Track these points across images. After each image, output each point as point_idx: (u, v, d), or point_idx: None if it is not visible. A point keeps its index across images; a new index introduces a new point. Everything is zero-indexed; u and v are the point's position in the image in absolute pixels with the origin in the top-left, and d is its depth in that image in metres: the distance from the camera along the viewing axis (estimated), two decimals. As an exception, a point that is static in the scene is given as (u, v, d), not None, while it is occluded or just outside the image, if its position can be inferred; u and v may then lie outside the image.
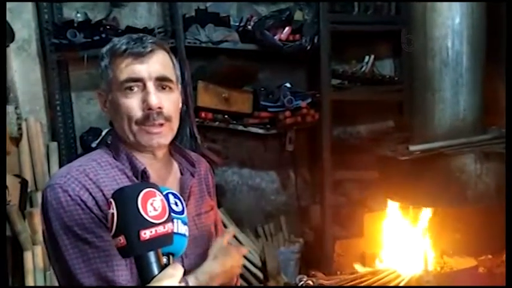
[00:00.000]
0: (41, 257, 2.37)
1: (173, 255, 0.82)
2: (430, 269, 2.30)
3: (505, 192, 2.19)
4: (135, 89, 1.03)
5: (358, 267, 2.52)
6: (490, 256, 2.39)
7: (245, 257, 2.57)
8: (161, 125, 1.04)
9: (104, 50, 1.08)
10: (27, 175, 2.59)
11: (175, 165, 1.17)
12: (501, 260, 2.38)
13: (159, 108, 1.03)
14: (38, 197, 2.53)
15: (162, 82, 1.05)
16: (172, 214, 0.81)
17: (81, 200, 0.98)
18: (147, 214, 0.75)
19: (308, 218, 3.17)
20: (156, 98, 1.02)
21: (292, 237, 3.11)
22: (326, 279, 2.46)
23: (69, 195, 0.97)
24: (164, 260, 0.78)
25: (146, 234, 0.74)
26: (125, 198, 0.76)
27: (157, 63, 1.04)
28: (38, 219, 2.46)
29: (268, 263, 2.79)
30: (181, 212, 0.88)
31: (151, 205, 0.76)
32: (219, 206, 1.87)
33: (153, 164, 1.09)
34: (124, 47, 1.03)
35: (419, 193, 2.32)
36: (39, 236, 2.42)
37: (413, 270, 2.30)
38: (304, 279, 2.46)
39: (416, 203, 2.38)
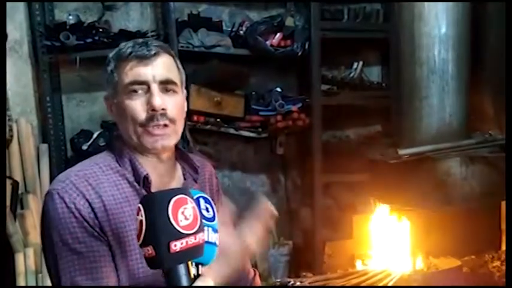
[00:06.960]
0: (33, 259, 2.35)
1: (202, 264, 0.78)
2: (418, 268, 2.38)
3: (488, 194, 2.28)
4: (140, 91, 1.04)
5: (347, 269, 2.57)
6: (473, 257, 2.48)
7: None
8: (165, 126, 1.04)
9: (111, 54, 1.08)
10: (18, 177, 2.56)
11: (180, 170, 1.16)
12: (484, 261, 2.47)
13: (163, 109, 1.03)
14: (29, 199, 2.51)
15: (166, 85, 1.06)
16: (203, 221, 0.76)
17: (76, 207, 0.97)
18: (178, 224, 0.71)
19: (298, 221, 3.21)
20: (159, 99, 1.03)
21: (282, 239, 3.14)
22: (315, 280, 2.50)
23: (65, 203, 0.98)
24: (193, 270, 0.75)
25: (177, 246, 0.70)
26: (155, 206, 0.71)
27: (162, 66, 1.05)
28: (29, 221, 2.44)
29: (259, 265, 2.83)
30: (212, 219, 0.82)
31: (183, 214, 0.72)
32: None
33: (157, 167, 1.09)
34: (129, 50, 1.04)
35: (406, 195, 2.40)
36: (31, 238, 2.40)
37: (401, 270, 2.37)
38: (291, 282, 2.48)
39: (404, 204, 2.45)
